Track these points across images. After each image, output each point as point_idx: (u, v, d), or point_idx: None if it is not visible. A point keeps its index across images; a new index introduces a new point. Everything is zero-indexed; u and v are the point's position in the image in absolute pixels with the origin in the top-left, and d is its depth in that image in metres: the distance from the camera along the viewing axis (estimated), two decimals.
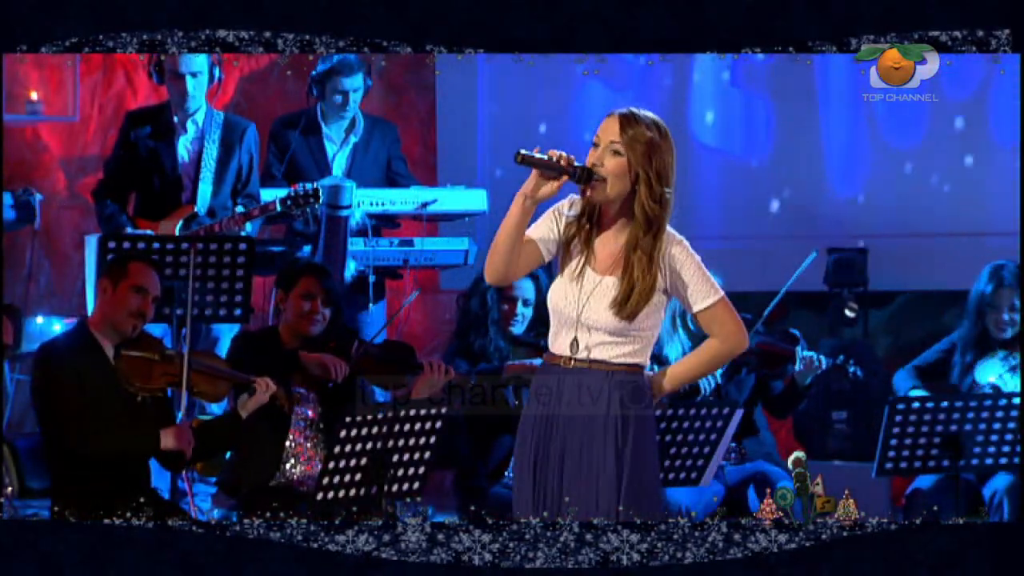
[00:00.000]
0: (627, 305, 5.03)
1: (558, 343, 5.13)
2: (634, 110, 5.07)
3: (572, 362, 5.09)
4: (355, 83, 8.70)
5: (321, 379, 7.06)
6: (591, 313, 5.06)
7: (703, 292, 5.11)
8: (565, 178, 4.99)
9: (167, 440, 6.65)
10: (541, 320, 7.64)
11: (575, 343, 5.08)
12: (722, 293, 5.15)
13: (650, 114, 5.09)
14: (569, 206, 5.13)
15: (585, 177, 5.02)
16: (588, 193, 5.05)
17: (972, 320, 7.88)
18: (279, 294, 7.25)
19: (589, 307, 5.06)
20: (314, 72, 8.70)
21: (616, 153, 5.03)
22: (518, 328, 7.65)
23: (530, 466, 5.10)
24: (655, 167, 5.02)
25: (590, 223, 5.12)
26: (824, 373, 7.81)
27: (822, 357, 7.73)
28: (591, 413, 5.06)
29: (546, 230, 5.12)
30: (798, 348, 7.73)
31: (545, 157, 4.98)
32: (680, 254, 5.09)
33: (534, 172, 4.99)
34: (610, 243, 5.10)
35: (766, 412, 7.99)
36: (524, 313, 7.68)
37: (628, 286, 5.04)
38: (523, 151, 4.97)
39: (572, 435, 5.07)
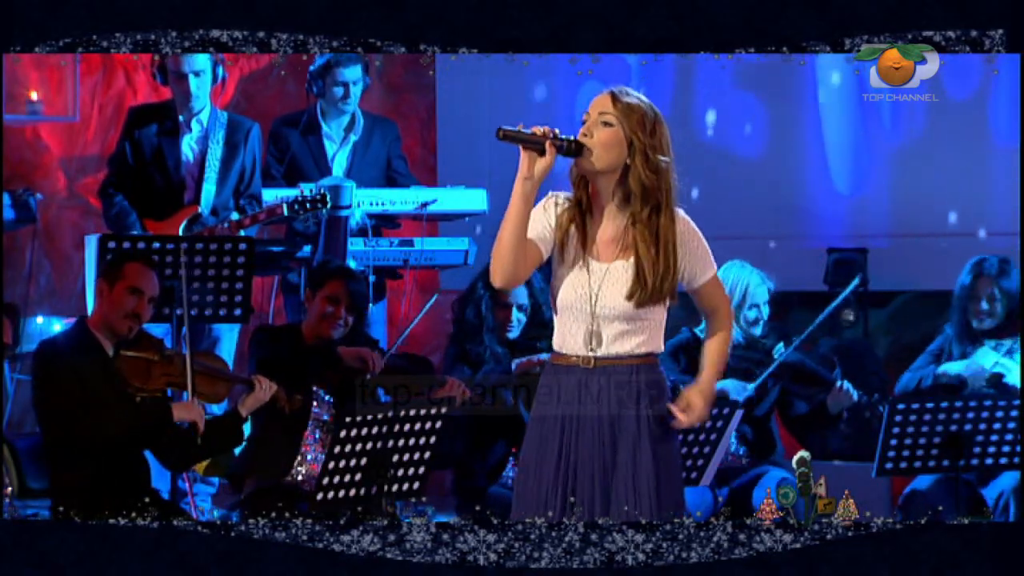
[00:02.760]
0: (644, 289, 4.90)
1: (571, 340, 4.99)
2: (625, 87, 4.95)
3: (592, 361, 4.96)
4: (354, 74, 8.69)
5: (358, 371, 7.08)
6: (605, 303, 4.92)
7: (705, 264, 5.02)
8: (554, 151, 4.83)
9: (179, 412, 6.66)
10: (535, 323, 7.64)
11: (592, 337, 4.94)
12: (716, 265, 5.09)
13: (641, 95, 4.96)
14: (563, 198, 4.97)
15: (574, 149, 4.87)
16: (578, 166, 4.90)
17: (957, 314, 7.93)
18: (307, 292, 7.32)
19: (603, 297, 4.92)
20: (312, 67, 8.69)
21: (606, 124, 4.90)
22: (514, 333, 7.65)
23: (553, 468, 4.96)
24: (650, 135, 4.90)
25: (582, 210, 4.97)
26: (852, 406, 7.80)
27: (854, 391, 7.70)
28: (622, 413, 4.95)
29: (541, 227, 4.95)
30: (836, 379, 7.70)
31: (528, 132, 4.85)
32: (685, 230, 4.98)
33: (524, 152, 4.84)
34: (609, 228, 4.97)
35: (782, 427, 7.95)
36: (519, 318, 7.66)
37: (636, 268, 4.91)
38: (504, 127, 4.84)
39: (605, 435, 4.94)
